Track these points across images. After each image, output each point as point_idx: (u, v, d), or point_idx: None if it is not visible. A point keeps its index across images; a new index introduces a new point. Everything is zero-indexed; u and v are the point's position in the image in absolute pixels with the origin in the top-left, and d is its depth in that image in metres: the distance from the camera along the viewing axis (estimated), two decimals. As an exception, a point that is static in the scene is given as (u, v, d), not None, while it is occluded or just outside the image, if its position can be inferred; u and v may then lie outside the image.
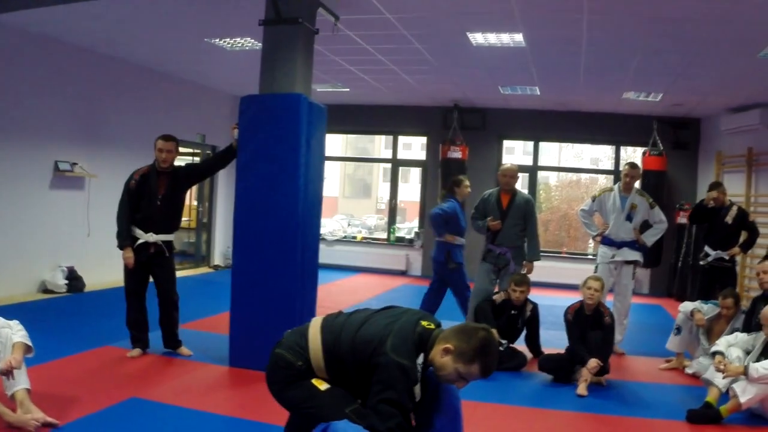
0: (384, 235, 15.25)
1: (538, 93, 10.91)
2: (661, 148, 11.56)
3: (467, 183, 7.79)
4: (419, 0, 6.61)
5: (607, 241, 7.35)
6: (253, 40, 8.34)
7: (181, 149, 10.94)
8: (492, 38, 7.76)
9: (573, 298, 6.56)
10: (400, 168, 14.67)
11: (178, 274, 10.52)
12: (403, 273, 13.43)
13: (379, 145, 21.02)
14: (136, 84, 10.41)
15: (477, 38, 7.80)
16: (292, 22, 5.80)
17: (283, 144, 5.63)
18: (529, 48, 8.02)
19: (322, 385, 3.23)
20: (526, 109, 12.47)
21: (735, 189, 10.19)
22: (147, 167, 5.99)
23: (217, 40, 8.48)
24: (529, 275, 6.98)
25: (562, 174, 19.88)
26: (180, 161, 6.86)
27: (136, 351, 5.97)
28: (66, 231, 9.33)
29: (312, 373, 3.27)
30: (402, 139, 14.68)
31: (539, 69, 9.19)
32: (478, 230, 7.39)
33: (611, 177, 13.32)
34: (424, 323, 3.19)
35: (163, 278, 6.04)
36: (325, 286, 10.62)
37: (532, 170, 13.39)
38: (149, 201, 5.85)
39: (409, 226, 16.44)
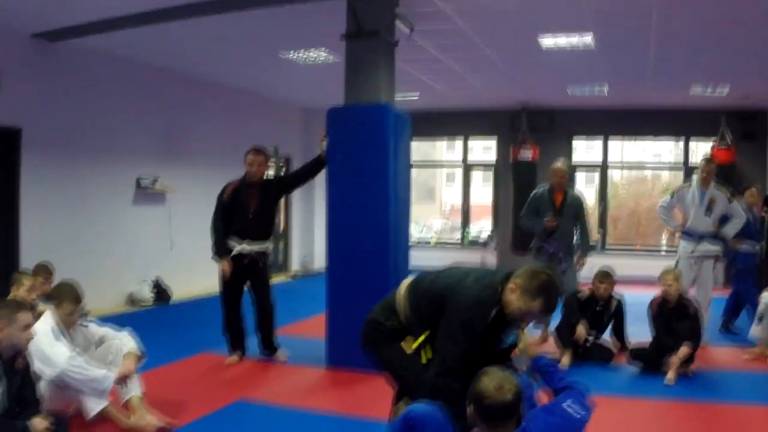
0: (452, 239, 15.43)
1: (606, 92, 10.99)
2: (729, 140, 11.52)
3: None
4: (491, 8, 6.79)
5: (687, 235, 7.38)
6: (325, 54, 8.66)
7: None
8: (562, 41, 7.91)
9: (647, 292, 6.67)
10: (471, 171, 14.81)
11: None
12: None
13: (440, 149, 21.11)
14: (212, 100, 10.85)
15: (546, 42, 7.97)
16: (373, 35, 6.08)
17: (372, 152, 5.90)
18: (598, 48, 8.13)
19: (409, 349, 3.46)
20: (593, 108, 12.53)
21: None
22: (238, 180, 6.25)
23: (291, 53, 8.79)
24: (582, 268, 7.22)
25: (626, 171, 19.75)
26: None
27: (235, 357, 6.22)
28: (150, 244, 9.72)
29: (401, 333, 3.52)
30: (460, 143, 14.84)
31: (608, 68, 9.30)
32: (532, 228, 7.50)
33: (680, 172, 13.27)
34: (501, 272, 3.41)
35: (259, 286, 6.28)
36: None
37: (603, 168, 13.46)
38: (242, 214, 6.10)
39: (476, 228, 16.55)
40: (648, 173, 18.61)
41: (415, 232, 15.23)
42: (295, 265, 13.46)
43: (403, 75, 9.73)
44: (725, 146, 11.44)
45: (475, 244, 14.18)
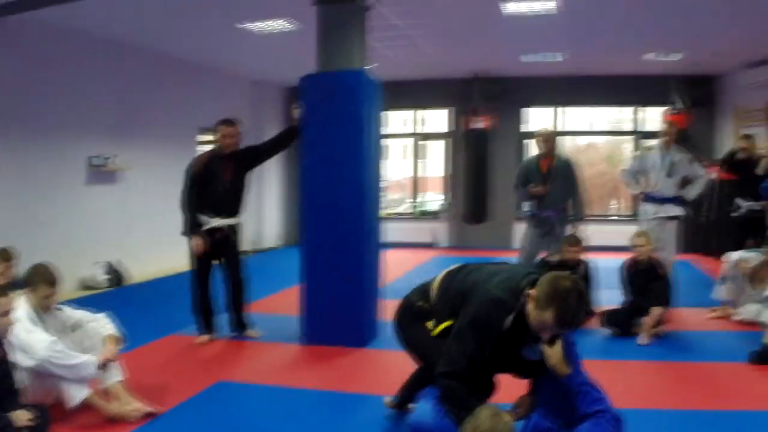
0: (405, 210, 15.41)
1: (560, 60, 11.03)
2: (681, 106, 11.69)
3: None
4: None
5: (649, 198, 7.49)
6: (284, 22, 8.44)
7: (205, 137, 11.12)
8: (524, 7, 7.87)
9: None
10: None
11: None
12: (430, 245, 13.57)
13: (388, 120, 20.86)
14: (164, 74, 10.53)
15: (509, 7, 7.91)
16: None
17: (348, 121, 5.81)
18: (560, 14, 8.11)
19: (432, 330, 3.44)
20: (545, 76, 12.55)
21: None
22: (209, 153, 6.10)
23: (249, 23, 8.55)
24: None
25: (576, 139, 19.87)
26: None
27: (205, 337, 6.08)
28: (105, 225, 9.42)
29: (428, 316, 3.50)
30: (406, 114, 14.72)
31: (566, 35, 9.33)
32: (522, 197, 7.53)
33: (631, 138, 13.50)
34: (534, 274, 3.23)
35: (232, 261, 6.15)
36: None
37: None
38: (215, 187, 5.93)
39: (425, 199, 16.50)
40: (599, 141, 18.71)
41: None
42: (245, 243, 13.13)
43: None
44: (677, 112, 11.58)
45: (426, 215, 14.16)
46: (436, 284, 3.55)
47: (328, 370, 5.34)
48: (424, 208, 14.51)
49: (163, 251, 9.84)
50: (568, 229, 7.33)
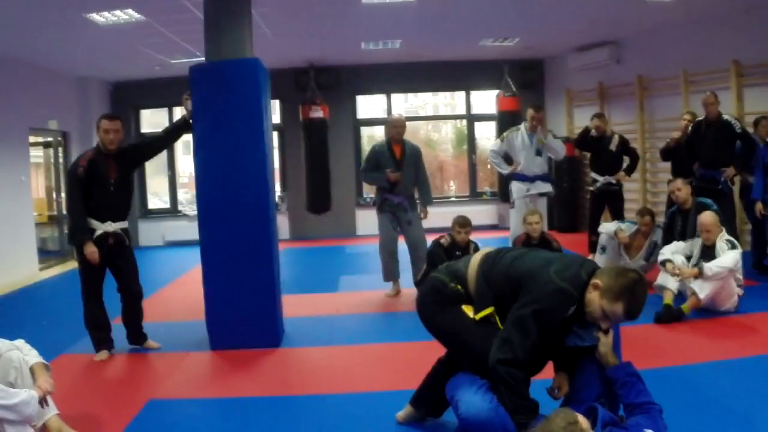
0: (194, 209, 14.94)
1: (398, 46, 11.11)
2: (514, 89, 12.23)
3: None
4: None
5: (520, 177, 7.79)
6: (131, 11, 7.76)
7: (31, 138, 10.17)
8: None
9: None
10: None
11: (43, 275, 9.78)
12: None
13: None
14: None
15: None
16: (237, -15, 5.61)
17: (245, 112, 5.52)
18: (417, 2, 8.11)
19: (472, 313, 3.32)
20: (380, 64, 12.60)
21: (585, 121, 11.05)
22: (92, 152, 5.51)
23: (93, 14, 7.74)
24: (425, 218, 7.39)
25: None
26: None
27: (104, 353, 5.54)
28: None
29: (462, 299, 3.38)
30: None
31: (414, 23, 9.32)
32: (374, 182, 7.51)
33: (464, 122, 13.99)
34: (589, 263, 3.30)
35: (126, 269, 5.63)
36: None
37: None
38: (101, 188, 5.40)
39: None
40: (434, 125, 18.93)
41: (161, 204, 14.56)
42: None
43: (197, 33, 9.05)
44: (510, 95, 12.11)
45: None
46: (472, 269, 3.41)
47: (255, 375, 5.07)
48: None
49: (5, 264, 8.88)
50: (419, 214, 7.47)
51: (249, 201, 5.54)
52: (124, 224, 5.60)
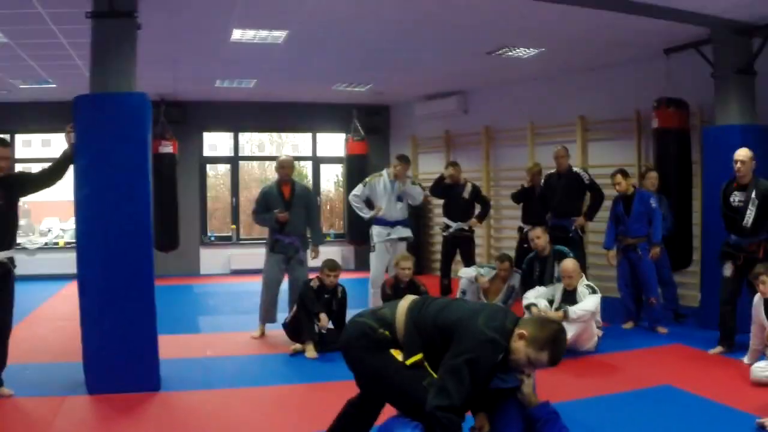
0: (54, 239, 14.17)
1: (252, 86, 11.20)
2: (363, 134, 12.65)
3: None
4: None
5: (381, 221, 8.08)
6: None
7: None
8: (252, 34, 7.86)
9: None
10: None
11: None
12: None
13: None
14: None
15: (236, 33, 7.83)
16: (127, 15, 5.56)
17: (130, 145, 5.44)
18: (283, 44, 8.26)
19: (401, 356, 3.44)
20: (231, 102, 12.67)
21: (432, 168, 11.62)
22: None
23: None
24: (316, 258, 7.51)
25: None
26: None
27: None
28: None
29: (389, 345, 3.49)
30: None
31: (274, 64, 9.46)
32: (264, 223, 7.60)
33: (309, 163, 14.20)
34: (511, 314, 3.52)
35: (3, 303, 5.26)
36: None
37: (234, 161, 13.73)
38: None
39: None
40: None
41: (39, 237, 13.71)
42: None
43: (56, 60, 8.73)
44: (359, 139, 12.49)
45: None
46: (400, 316, 3.54)
47: (144, 422, 4.85)
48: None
49: None
50: (310, 254, 7.62)
51: (130, 237, 5.41)
52: (8, 253, 5.29)
